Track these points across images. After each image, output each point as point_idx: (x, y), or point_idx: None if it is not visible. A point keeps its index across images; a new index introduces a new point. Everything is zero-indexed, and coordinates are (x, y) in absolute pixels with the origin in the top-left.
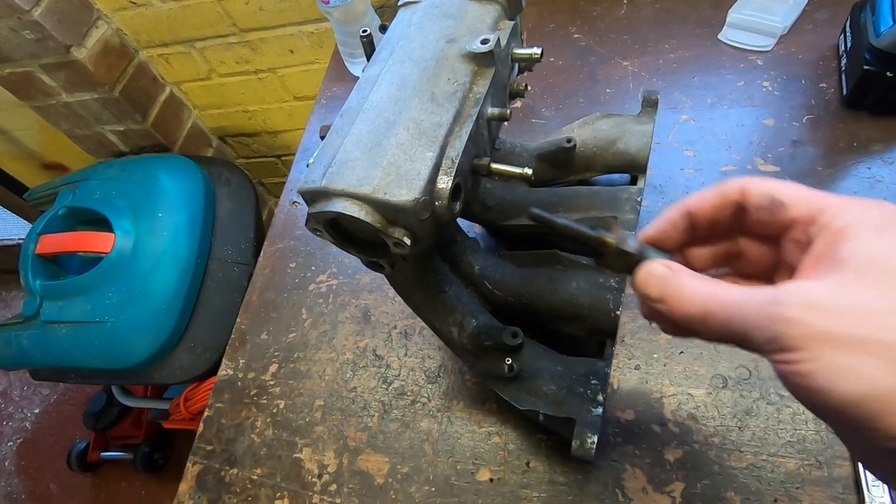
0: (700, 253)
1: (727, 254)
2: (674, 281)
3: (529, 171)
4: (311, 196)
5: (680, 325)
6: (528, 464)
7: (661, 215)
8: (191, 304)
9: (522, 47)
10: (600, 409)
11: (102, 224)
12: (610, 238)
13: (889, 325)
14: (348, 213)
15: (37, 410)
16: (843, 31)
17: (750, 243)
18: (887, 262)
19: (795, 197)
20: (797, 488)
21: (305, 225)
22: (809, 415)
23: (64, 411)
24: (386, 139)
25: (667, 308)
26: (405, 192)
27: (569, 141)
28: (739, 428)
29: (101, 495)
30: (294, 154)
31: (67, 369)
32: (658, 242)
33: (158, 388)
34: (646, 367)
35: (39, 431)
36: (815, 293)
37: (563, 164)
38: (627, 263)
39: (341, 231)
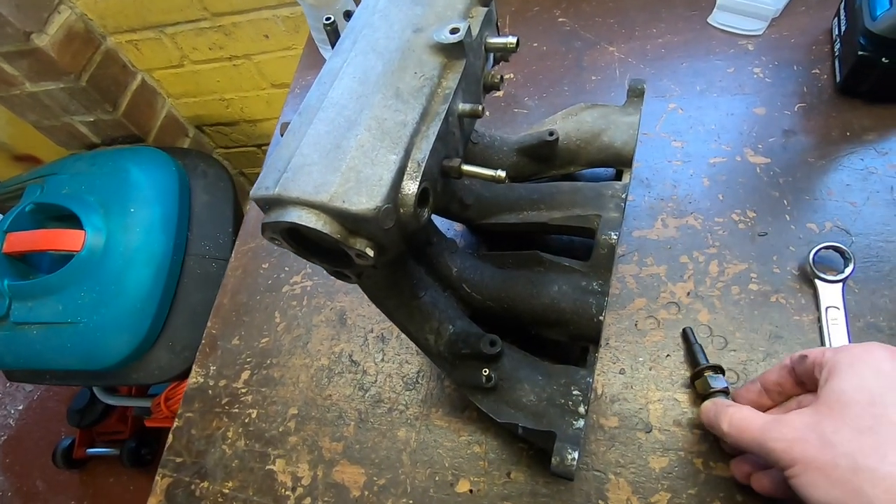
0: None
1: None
2: (721, 407)
3: (502, 174)
4: (265, 204)
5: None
6: (508, 474)
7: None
8: (167, 302)
9: (497, 36)
10: (581, 422)
11: (72, 221)
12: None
13: (840, 454)
14: (304, 224)
15: (20, 407)
16: (837, 13)
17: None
18: (850, 396)
19: (816, 350)
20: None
21: (262, 234)
22: None
23: (49, 408)
24: (346, 140)
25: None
26: (365, 200)
27: (551, 134)
28: None
29: (88, 491)
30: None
31: (42, 371)
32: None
33: (141, 386)
34: (631, 372)
35: (24, 428)
36: (800, 426)
37: (545, 159)
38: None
39: (301, 240)
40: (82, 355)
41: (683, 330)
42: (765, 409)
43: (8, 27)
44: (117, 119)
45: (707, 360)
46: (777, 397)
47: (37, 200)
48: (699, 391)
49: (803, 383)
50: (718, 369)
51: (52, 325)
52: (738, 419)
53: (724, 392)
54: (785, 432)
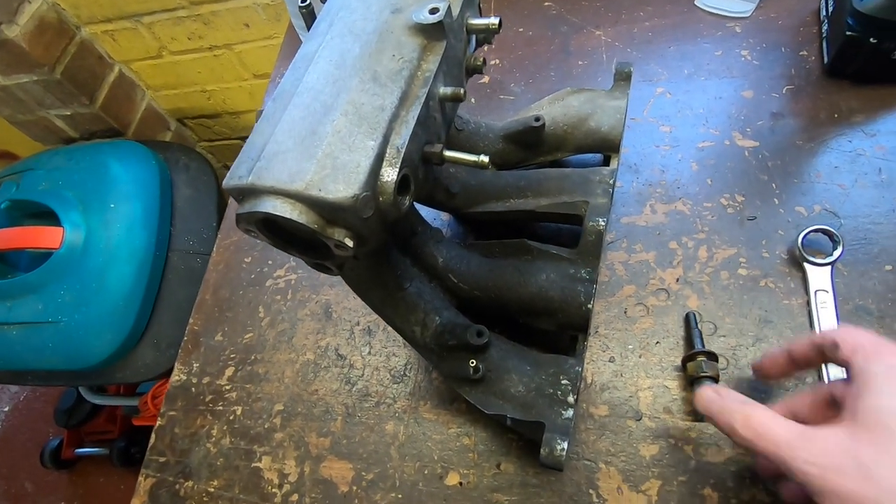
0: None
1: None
2: (731, 400)
3: (486, 160)
4: (238, 194)
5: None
6: (498, 465)
7: (770, 353)
8: (151, 299)
9: (479, 17)
10: (571, 412)
11: (50, 217)
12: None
13: (884, 489)
14: (279, 214)
15: (6, 409)
16: None
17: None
18: (889, 418)
19: (847, 340)
20: (775, 482)
21: (237, 225)
22: None
23: (35, 408)
24: (321, 126)
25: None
26: (342, 188)
27: (537, 119)
28: None
29: (78, 491)
30: None
31: (23, 372)
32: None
33: (128, 384)
34: (620, 360)
35: (10, 430)
36: (834, 450)
37: (532, 145)
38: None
39: (278, 231)
40: (64, 355)
41: (687, 315)
42: (784, 376)
43: None
44: (95, 112)
45: (704, 347)
46: (803, 366)
47: (12, 197)
48: (689, 373)
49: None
50: (713, 356)
51: (32, 325)
52: (758, 424)
53: (714, 379)
54: (817, 455)
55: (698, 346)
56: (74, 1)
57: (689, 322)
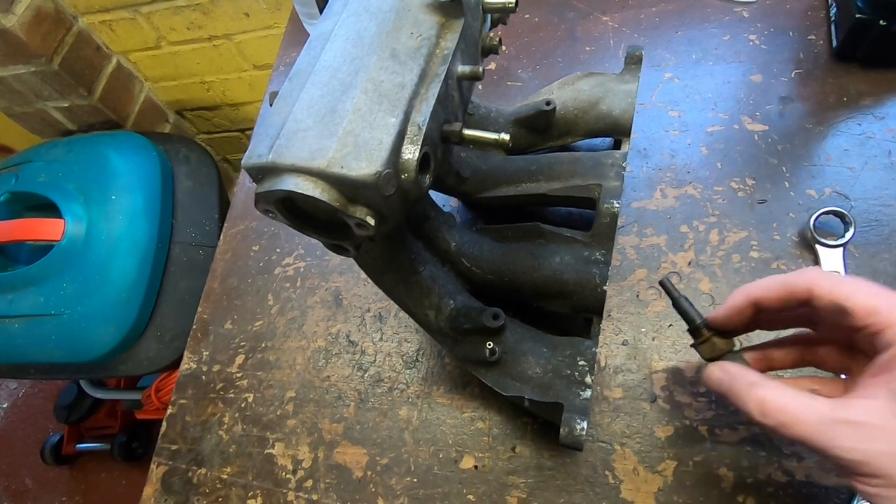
0: (779, 354)
1: (803, 359)
2: (740, 381)
3: (506, 137)
4: (258, 173)
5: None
6: (513, 449)
7: (728, 301)
8: (154, 291)
9: None
10: (588, 392)
11: (50, 209)
12: (707, 333)
13: None
14: (300, 192)
15: (5, 405)
16: None
17: (827, 350)
18: None
19: (860, 306)
20: (791, 461)
21: (255, 206)
22: None
23: (34, 404)
24: (341, 104)
25: (737, 405)
26: (365, 165)
27: (548, 103)
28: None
29: (79, 487)
30: None
31: (26, 365)
32: (723, 327)
33: (131, 378)
34: (634, 343)
35: (10, 426)
36: (879, 432)
37: (542, 129)
38: (714, 352)
39: (297, 211)
40: (67, 348)
41: (660, 282)
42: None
43: None
44: (93, 104)
45: (701, 316)
46: (775, 320)
47: (12, 189)
48: (707, 357)
49: (814, 323)
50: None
51: (34, 318)
52: (776, 409)
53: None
54: (858, 438)
55: (697, 319)
56: None
57: (669, 291)
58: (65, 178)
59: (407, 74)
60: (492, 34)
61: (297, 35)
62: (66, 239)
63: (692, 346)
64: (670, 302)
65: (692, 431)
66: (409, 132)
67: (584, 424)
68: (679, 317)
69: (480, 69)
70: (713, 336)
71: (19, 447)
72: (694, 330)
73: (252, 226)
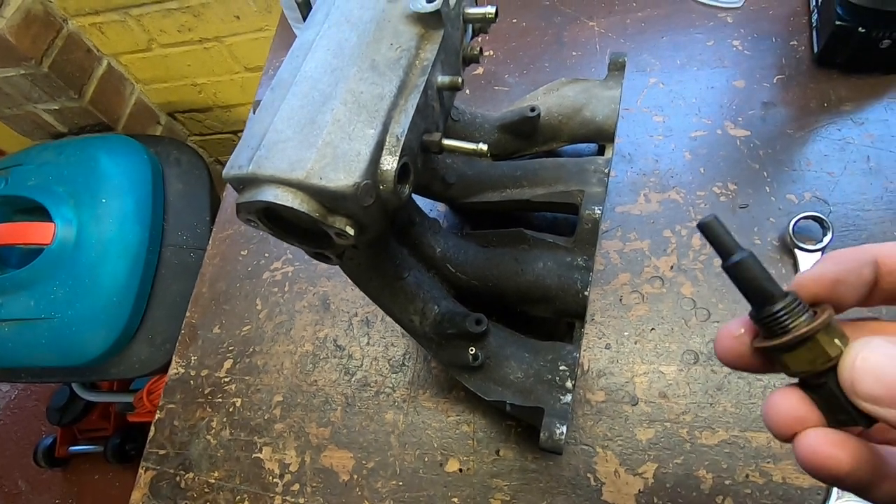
0: None
1: None
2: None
3: (484, 147)
4: (239, 183)
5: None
6: (497, 452)
7: (826, 262)
8: (145, 294)
9: (475, 6)
10: (569, 397)
11: (41, 213)
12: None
13: None
14: (280, 203)
15: None
16: None
17: None
18: None
19: None
20: (768, 463)
21: (237, 215)
22: None
23: (27, 407)
24: (321, 115)
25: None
26: (343, 177)
27: (532, 110)
28: (711, 404)
29: (73, 489)
30: None
31: (17, 369)
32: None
33: (123, 380)
34: (616, 346)
35: (2, 429)
36: None
37: (527, 135)
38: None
39: (278, 221)
40: (58, 351)
41: (705, 223)
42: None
43: None
44: (83, 107)
45: (782, 288)
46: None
47: (2, 193)
48: (803, 370)
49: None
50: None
51: (25, 322)
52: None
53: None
54: None
55: (775, 291)
56: None
57: (711, 231)
58: (55, 182)
59: (386, 85)
60: (473, 43)
61: (286, 38)
62: (57, 242)
63: (760, 347)
64: (718, 260)
65: (673, 434)
66: (387, 143)
67: (564, 429)
68: (663, 322)
69: (460, 79)
70: (815, 328)
71: (12, 449)
72: (771, 314)
73: (241, 230)
